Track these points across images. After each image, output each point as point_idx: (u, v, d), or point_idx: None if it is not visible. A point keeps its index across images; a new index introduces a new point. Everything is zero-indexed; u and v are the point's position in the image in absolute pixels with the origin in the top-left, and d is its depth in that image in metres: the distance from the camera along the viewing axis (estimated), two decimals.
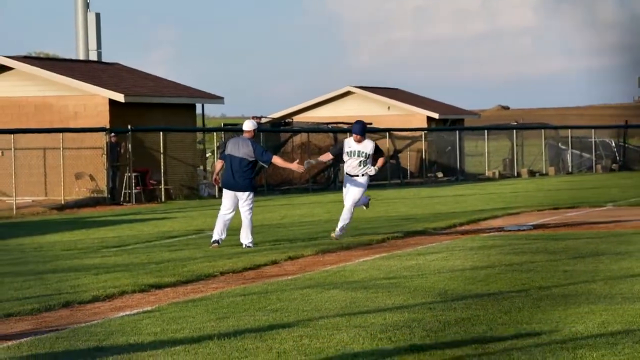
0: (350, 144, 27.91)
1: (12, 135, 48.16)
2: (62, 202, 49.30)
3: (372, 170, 28.38)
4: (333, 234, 29.12)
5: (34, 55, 64.71)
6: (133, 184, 52.63)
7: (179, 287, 20.88)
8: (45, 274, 22.96)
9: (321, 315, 16.53)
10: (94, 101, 52.80)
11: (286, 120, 79.13)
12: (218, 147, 52.82)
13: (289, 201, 52.48)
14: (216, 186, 57.45)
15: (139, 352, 14.05)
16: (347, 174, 28.16)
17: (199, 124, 61.68)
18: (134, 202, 52.11)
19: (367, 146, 27.76)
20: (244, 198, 27.43)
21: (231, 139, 28.95)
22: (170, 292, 20.38)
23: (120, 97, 52.73)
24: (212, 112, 64.82)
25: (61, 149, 49.83)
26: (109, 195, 52.35)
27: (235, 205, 27.54)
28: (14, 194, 47.08)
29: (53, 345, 14.99)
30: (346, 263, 24.44)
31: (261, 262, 24.56)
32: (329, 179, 69.32)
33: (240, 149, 27.12)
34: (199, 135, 62.75)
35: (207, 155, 64.54)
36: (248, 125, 27.77)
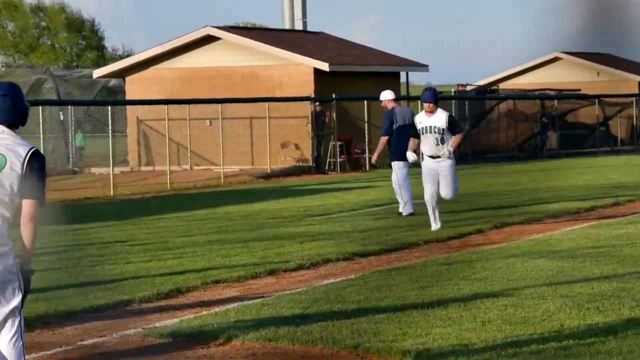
0: (420, 118, 23.41)
1: (219, 105, 48.54)
2: (268, 171, 49.53)
3: (445, 152, 23.12)
4: (436, 227, 24.01)
5: (241, 25, 64.93)
6: (338, 153, 52.75)
7: (383, 256, 20.92)
8: (251, 242, 23.17)
9: (526, 285, 16.44)
10: (299, 70, 52.96)
11: (492, 88, 78.47)
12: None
13: (494, 169, 52.15)
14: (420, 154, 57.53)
15: (342, 320, 14.13)
16: (427, 156, 23.32)
17: (403, 92, 61.50)
18: (338, 171, 52.21)
19: (441, 119, 22.89)
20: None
21: (396, 110, 27.71)
22: (374, 260, 20.43)
23: (325, 66, 52.80)
24: (416, 79, 64.62)
25: (267, 118, 50.04)
26: (314, 164, 52.54)
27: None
28: (221, 163, 47.42)
29: (259, 311, 15.15)
30: (553, 232, 24.25)
31: (466, 231, 24.48)
32: (536, 147, 68.45)
33: (408, 119, 26.62)
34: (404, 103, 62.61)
35: None
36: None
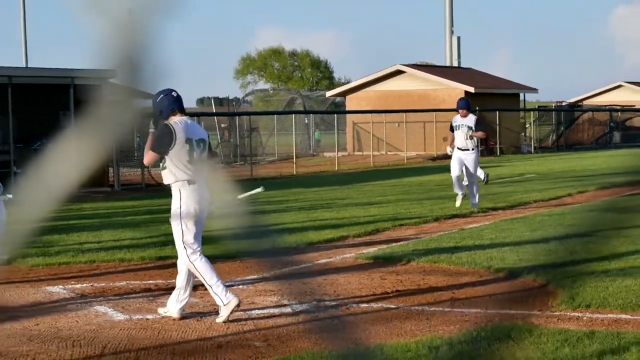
0: (456, 119, 21.50)
1: (404, 113, 48.57)
2: (434, 155, 49.59)
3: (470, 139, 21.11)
4: (474, 208, 20.62)
5: (418, 63, 64.80)
6: (479, 144, 52.35)
7: (507, 210, 20.66)
8: (423, 200, 23.09)
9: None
10: (455, 92, 52.71)
11: (578, 104, 76.84)
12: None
13: (580, 155, 51.12)
14: (532, 145, 57.76)
15: (481, 250, 14.03)
16: (457, 148, 21.16)
17: (521, 105, 61.10)
18: (480, 155, 51.67)
19: (470, 120, 21.00)
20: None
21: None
22: (501, 213, 20.18)
23: (471, 89, 52.38)
24: (530, 98, 63.70)
25: (434, 122, 50.07)
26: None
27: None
28: (405, 150, 47.53)
29: (428, 244, 15.08)
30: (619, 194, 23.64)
31: (561, 194, 24.04)
32: (606, 142, 66.84)
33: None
34: (521, 113, 61.65)
35: (526, 126, 63.29)
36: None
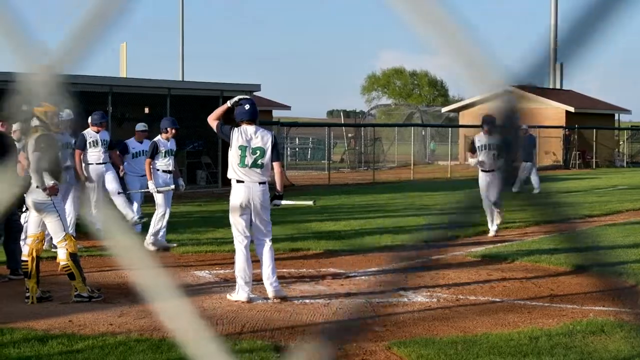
0: (479, 138, 16.70)
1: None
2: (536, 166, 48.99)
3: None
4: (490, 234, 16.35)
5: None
6: (577, 157, 51.43)
7: (602, 217, 20.16)
8: None
9: None
10: (557, 111, 51.96)
11: None
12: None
13: None
14: (625, 160, 56.43)
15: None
16: (481, 170, 16.63)
17: (615, 124, 59.73)
18: (577, 168, 50.63)
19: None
20: None
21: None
22: (597, 220, 19.69)
23: (571, 109, 51.68)
24: (624, 118, 62.25)
25: (537, 136, 49.42)
26: (563, 164, 51.18)
27: None
28: None
29: (530, 245, 14.82)
30: None
31: None
32: None
33: None
34: (615, 131, 60.19)
35: (620, 143, 61.73)
36: None
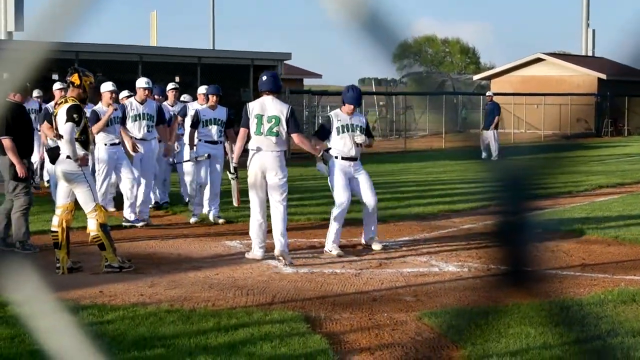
0: (339, 115, 11.36)
1: (542, 97, 47.65)
2: (568, 134, 48.48)
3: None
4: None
5: (556, 52, 63.19)
6: (609, 125, 50.87)
7: (634, 185, 19.92)
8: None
9: None
10: (589, 78, 51.40)
11: None
12: None
13: None
14: None
15: (609, 222, 13.52)
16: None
17: None
18: (609, 136, 50.07)
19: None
20: None
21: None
22: (628, 188, 19.49)
23: (603, 76, 51.14)
24: None
25: (569, 105, 48.87)
26: (595, 131, 50.71)
27: None
28: (542, 128, 46.59)
29: (561, 214, 14.68)
30: None
31: None
32: None
33: None
34: None
35: None
36: None
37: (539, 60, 54.02)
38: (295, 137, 10.40)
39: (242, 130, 10.52)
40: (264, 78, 10.42)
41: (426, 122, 52.42)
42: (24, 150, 10.85)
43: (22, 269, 2.11)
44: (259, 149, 10.27)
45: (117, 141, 13.32)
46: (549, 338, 6.97)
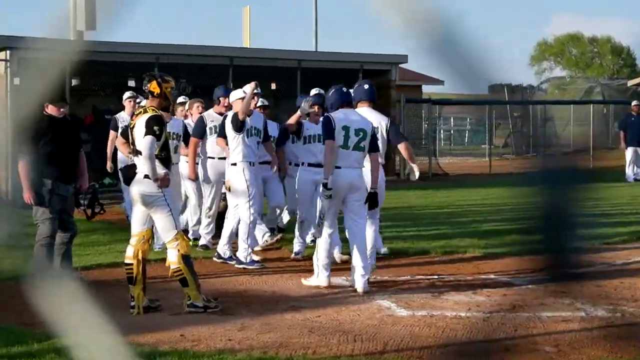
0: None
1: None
2: None
3: None
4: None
5: None
6: None
7: None
8: None
9: None
10: None
11: None
12: None
13: None
14: None
15: None
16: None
17: None
18: None
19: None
20: None
21: None
22: None
23: None
24: None
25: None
26: None
27: None
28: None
29: None
30: None
31: None
32: None
33: None
34: None
35: None
36: None
37: None
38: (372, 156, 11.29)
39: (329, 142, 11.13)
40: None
41: (570, 137, 51.79)
42: (61, 173, 10.78)
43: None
44: (341, 167, 11.12)
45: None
46: None
